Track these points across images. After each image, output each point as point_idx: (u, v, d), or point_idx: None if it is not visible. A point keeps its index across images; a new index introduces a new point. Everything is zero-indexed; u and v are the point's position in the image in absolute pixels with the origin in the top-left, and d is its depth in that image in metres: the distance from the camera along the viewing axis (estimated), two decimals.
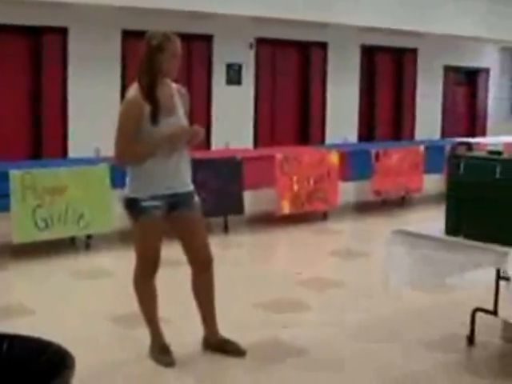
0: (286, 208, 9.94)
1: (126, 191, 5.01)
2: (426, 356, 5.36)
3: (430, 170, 11.67)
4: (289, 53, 16.32)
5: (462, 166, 4.96)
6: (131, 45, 12.80)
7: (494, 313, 5.45)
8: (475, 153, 5.30)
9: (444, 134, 18.89)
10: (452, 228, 5.00)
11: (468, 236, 4.91)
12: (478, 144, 12.04)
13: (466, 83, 20.33)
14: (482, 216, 4.86)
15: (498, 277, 5.40)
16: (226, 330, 5.32)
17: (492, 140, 14.12)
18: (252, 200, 10.19)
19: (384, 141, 16.36)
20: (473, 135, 18.19)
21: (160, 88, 4.88)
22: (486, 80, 20.55)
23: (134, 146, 4.87)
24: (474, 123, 20.37)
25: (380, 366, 5.19)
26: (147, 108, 4.80)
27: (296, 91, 16.57)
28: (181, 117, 5.00)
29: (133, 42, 12.06)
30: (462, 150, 5.17)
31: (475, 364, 5.42)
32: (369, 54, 17.61)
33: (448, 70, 19.37)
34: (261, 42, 15.66)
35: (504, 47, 20.46)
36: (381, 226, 9.09)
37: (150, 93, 4.81)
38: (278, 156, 9.90)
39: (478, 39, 17.99)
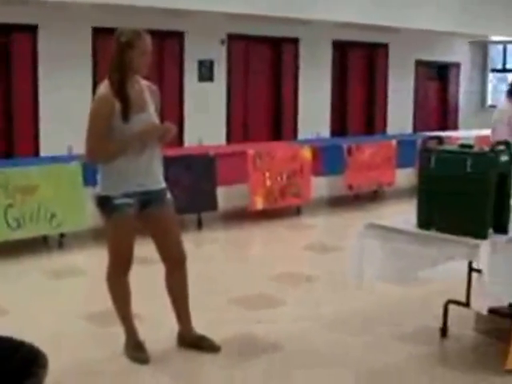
0: (260, 203, 9.96)
1: (98, 189, 5.00)
2: (400, 348, 5.40)
3: (402, 164, 11.73)
4: (261, 49, 16.31)
5: (433, 159, 4.99)
6: (102, 42, 12.75)
7: (467, 305, 5.49)
8: (446, 146, 5.32)
9: (416, 129, 18.97)
10: (424, 221, 5.03)
11: (440, 229, 4.94)
12: (449, 138, 12.12)
13: (437, 78, 20.42)
14: (453, 209, 4.89)
15: (470, 269, 5.45)
16: (200, 326, 5.32)
17: (463, 134, 14.21)
18: (225, 196, 10.18)
19: (356, 136, 16.41)
20: (444, 129, 18.28)
21: (130, 85, 4.87)
22: (457, 74, 20.66)
23: (105, 144, 4.85)
24: (446, 117, 20.48)
25: (354, 358, 5.22)
26: (118, 105, 4.79)
27: (268, 87, 16.57)
28: (152, 114, 4.99)
29: (104, 39, 12.01)
30: (433, 144, 5.18)
31: (448, 356, 5.47)
32: (340, 49, 17.65)
33: (419, 64, 19.44)
34: (232, 39, 15.64)
35: (474, 41, 20.58)
36: (354, 220, 9.08)
37: (120, 90, 4.80)
38: (251, 152, 9.91)
39: (448, 34, 18.07)
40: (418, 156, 5.31)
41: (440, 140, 5.27)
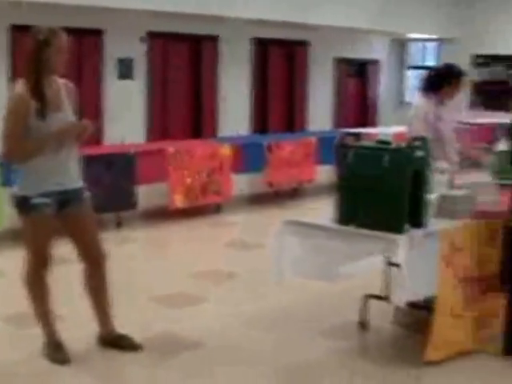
0: (180, 202, 9.92)
1: (15, 189, 4.93)
2: (320, 344, 5.45)
3: (322, 160, 11.80)
4: (181, 47, 16.25)
5: (350, 155, 5.05)
6: (19, 39, 12.55)
7: (385, 299, 5.57)
8: (363, 142, 5.39)
9: (336, 126, 19.14)
10: (343, 217, 5.08)
11: (358, 224, 4.99)
12: (367, 134, 12.27)
13: (356, 75, 20.62)
14: (371, 205, 4.95)
15: (389, 263, 5.53)
16: (121, 325, 5.29)
17: (382, 130, 14.39)
18: (146, 195, 10.11)
19: (277, 133, 16.47)
20: (364, 126, 18.44)
21: (47, 84, 4.81)
22: (377, 71, 20.90)
23: (22, 143, 4.78)
24: (365, 114, 20.70)
25: (275, 355, 5.25)
26: (34, 104, 4.72)
27: (188, 85, 16.52)
28: (69, 112, 4.94)
29: (21, 36, 11.82)
30: (350, 140, 5.27)
31: (368, 349, 5.54)
32: (261, 46, 17.70)
33: (339, 61, 19.62)
34: (152, 36, 15.56)
35: (393, 39, 20.85)
36: (274, 218, 9.12)
37: (36, 89, 4.74)
38: (170, 150, 9.88)
39: (368, 31, 18.27)
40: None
41: (357, 136, 5.34)
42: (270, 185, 11.39)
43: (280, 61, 18.32)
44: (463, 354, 5.19)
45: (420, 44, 21.85)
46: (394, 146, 5.06)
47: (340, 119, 19.59)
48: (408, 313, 5.72)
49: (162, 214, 9.99)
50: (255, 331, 5.72)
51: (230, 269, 7.56)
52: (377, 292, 5.71)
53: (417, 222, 4.94)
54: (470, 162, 12.83)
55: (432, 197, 5.23)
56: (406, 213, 4.86)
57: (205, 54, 16.59)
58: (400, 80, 21.80)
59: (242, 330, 5.73)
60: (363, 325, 5.71)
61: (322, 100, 19.17)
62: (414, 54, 22.01)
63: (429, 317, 5.07)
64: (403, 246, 4.75)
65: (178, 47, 16.21)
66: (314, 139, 12.06)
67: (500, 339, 5.30)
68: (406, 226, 4.84)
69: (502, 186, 6.38)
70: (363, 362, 5.18)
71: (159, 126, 15.89)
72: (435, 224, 5.09)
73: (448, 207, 5.28)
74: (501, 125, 14.93)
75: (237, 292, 6.84)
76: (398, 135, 10.82)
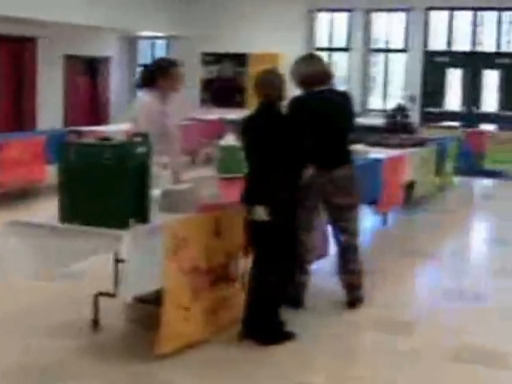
0: None
1: None
2: (50, 345, 5.35)
3: (52, 160, 11.55)
4: None
5: (72, 152, 5.04)
6: None
7: (115, 295, 5.56)
8: (86, 140, 5.36)
9: (67, 124, 18.85)
10: (66, 215, 5.03)
11: (83, 222, 4.96)
12: (94, 132, 12.16)
13: (87, 72, 20.44)
14: (94, 201, 4.94)
15: (116, 260, 5.54)
16: None
17: (114, 128, 14.38)
18: None
19: (5, 132, 15.95)
20: (96, 124, 18.32)
21: None
22: (108, 69, 20.84)
23: None
24: (97, 112, 20.57)
25: None
26: None
27: None
28: None
29: None
30: (73, 138, 5.24)
31: (98, 348, 5.47)
32: None
33: (69, 59, 19.34)
34: None
35: (124, 36, 20.87)
36: (3, 220, 8.87)
37: None
38: None
39: (97, 28, 18.16)
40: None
41: (79, 134, 5.31)
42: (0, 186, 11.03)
43: (7, 58, 17.79)
44: (195, 344, 5.29)
45: (149, 41, 22.03)
46: (115, 141, 5.06)
47: (71, 117, 19.33)
48: (138, 308, 5.75)
49: None
50: None
51: None
52: (109, 289, 5.68)
53: (141, 217, 4.97)
54: (198, 157, 13.08)
55: (156, 192, 5.29)
56: (130, 208, 4.88)
57: None
58: (132, 77, 21.87)
59: None
60: (95, 323, 5.67)
61: (53, 98, 18.83)
62: (145, 52, 22.15)
63: (158, 311, 5.11)
64: (128, 241, 4.77)
65: None
66: (43, 138, 11.81)
67: (236, 327, 5.46)
68: (130, 222, 4.86)
69: (228, 179, 6.59)
70: (92, 360, 5.13)
71: None
72: (160, 218, 5.15)
73: (171, 201, 5.37)
74: (228, 120, 15.45)
75: None
76: (130, 132, 10.86)
